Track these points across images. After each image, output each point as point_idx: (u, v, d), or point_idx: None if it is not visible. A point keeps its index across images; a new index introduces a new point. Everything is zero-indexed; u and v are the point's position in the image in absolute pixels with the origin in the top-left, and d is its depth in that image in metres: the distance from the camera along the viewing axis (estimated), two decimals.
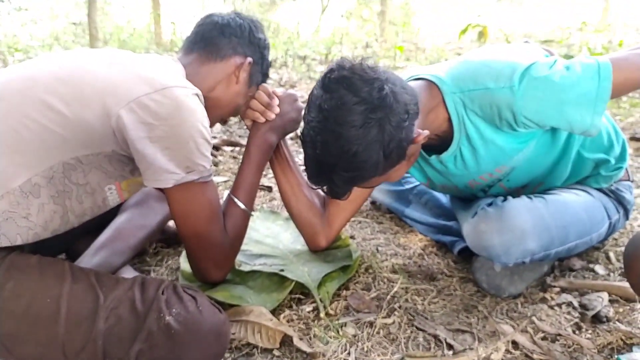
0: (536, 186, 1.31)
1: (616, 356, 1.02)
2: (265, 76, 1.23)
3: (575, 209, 1.23)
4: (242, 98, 1.18)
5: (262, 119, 1.19)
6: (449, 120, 1.12)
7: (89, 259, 1.16)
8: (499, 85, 1.03)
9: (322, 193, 1.37)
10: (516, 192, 1.31)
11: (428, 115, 1.09)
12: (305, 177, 1.33)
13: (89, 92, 0.92)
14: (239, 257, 1.31)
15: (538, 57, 1.09)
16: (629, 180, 1.38)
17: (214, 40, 1.13)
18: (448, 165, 1.21)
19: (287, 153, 1.30)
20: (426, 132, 1.01)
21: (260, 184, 2.03)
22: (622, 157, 1.32)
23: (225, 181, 2.11)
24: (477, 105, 1.08)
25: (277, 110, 1.19)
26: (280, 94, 1.22)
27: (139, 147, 0.92)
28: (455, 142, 1.14)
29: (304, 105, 1.22)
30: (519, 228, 1.13)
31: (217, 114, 1.16)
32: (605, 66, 1.01)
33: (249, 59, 1.15)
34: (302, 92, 4.42)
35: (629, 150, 1.36)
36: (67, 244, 1.30)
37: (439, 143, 1.18)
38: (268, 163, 1.27)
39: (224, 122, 1.26)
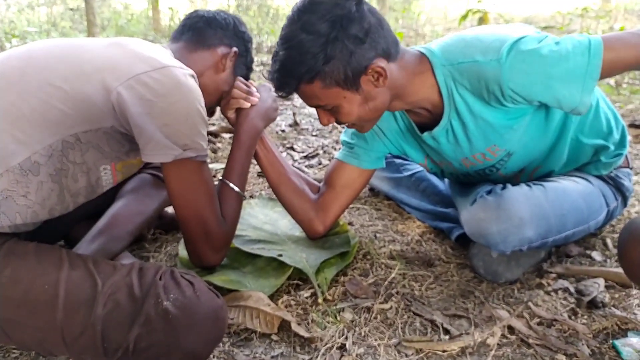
0: (533, 170, 1.30)
1: (611, 341, 1.03)
2: (249, 70, 1.29)
3: (573, 197, 1.23)
4: (227, 86, 1.23)
5: (247, 104, 1.24)
6: (439, 93, 1.12)
7: (87, 245, 1.17)
8: (487, 58, 1.03)
9: (313, 181, 1.39)
10: (514, 177, 1.31)
11: (414, 78, 1.10)
12: (292, 167, 1.37)
13: (88, 69, 0.94)
14: (238, 243, 1.31)
15: (529, 32, 1.08)
16: (628, 167, 1.38)
17: (201, 30, 1.18)
18: (440, 140, 1.20)
19: (270, 144, 1.34)
20: (382, 63, 1.03)
21: (259, 171, 2.04)
22: (621, 144, 1.31)
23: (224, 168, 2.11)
24: (465, 79, 1.08)
25: (258, 95, 1.26)
26: (255, 85, 1.30)
27: (139, 122, 0.94)
28: (445, 115, 1.15)
29: (276, 95, 1.29)
30: (517, 216, 1.13)
31: (205, 100, 1.17)
32: (597, 43, 1.00)
33: (235, 49, 1.20)
34: None
35: (628, 137, 1.35)
36: (65, 230, 1.30)
37: (431, 120, 1.18)
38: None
39: (211, 112, 1.28)
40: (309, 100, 1.09)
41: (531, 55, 1.00)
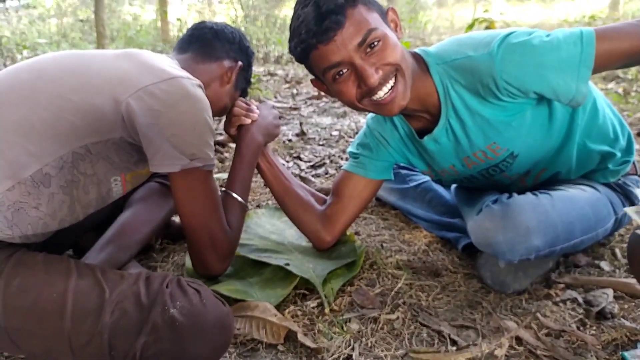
0: (539, 172, 1.30)
1: (620, 352, 1.02)
2: (248, 83, 1.33)
3: (580, 204, 1.22)
4: (230, 99, 1.26)
5: (248, 120, 1.28)
6: (436, 93, 1.14)
7: (96, 254, 1.17)
8: (479, 53, 1.06)
9: (319, 194, 1.40)
10: (519, 179, 1.31)
11: (415, 78, 1.10)
12: (297, 180, 1.38)
13: (97, 81, 0.96)
14: (244, 252, 1.32)
15: (520, 29, 1.10)
16: (636, 174, 1.37)
17: (210, 42, 1.21)
18: (441, 141, 1.21)
19: (273, 158, 1.36)
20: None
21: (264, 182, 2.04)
22: (628, 151, 1.31)
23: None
24: (460, 75, 1.10)
25: (258, 111, 1.30)
26: (256, 103, 1.33)
27: (147, 132, 0.96)
28: (443, 114, 1.16)
29: (278, 113, 1.37)
30: (524, 225, 1.12)
31: None
32: (588, 33, 1.01)
33: (240, 63, 1.24)
34: (308, 89, 4.43)
35: (637, 146, 1.34)
36: (74, 240, 1.31)
37: (431, 123, 1.19)
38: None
39: None
40: (360, 27, 1.00)
41: (522, 46, 1.02)
